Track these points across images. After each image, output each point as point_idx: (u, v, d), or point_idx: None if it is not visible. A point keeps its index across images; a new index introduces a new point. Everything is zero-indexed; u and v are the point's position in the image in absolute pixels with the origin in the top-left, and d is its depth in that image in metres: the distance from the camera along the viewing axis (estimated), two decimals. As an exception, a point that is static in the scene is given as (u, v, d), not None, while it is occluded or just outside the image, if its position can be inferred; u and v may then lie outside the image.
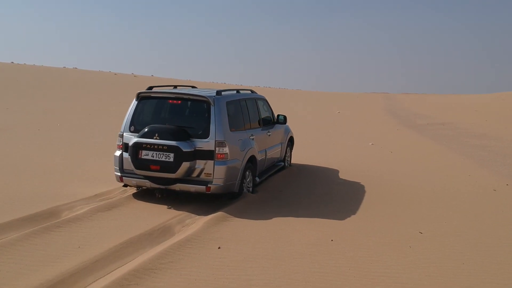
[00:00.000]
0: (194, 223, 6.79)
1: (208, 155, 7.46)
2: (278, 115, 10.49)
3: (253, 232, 6.42)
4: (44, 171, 9.68)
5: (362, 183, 9.87)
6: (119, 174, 7.88)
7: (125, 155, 7.78)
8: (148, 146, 7.40)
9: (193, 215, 7.18)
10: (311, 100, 51.11)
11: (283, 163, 10.89)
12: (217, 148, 7.45)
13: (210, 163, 7.46)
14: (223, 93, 8.12)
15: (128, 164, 7.69)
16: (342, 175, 10.69)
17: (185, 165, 7.32)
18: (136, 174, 7.67)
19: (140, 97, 8.04)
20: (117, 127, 8.05)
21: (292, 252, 5.72)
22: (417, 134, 19.85)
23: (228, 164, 7.55)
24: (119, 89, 43.93)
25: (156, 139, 7.38)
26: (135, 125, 7.88)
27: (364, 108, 39.46)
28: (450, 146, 15.75)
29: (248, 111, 8.93)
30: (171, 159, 7.34)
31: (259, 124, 9.37)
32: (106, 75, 65.50)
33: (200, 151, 7.44)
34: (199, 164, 7.48)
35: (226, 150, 7.50)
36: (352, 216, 7.38)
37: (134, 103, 8.04)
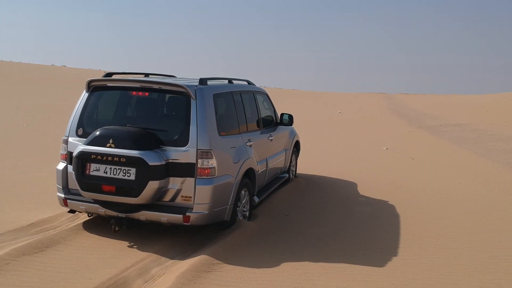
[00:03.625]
0: (163, 275, 4.52)
1: (186, 170, 5.17)
2: (282, 114, 8.21)
3: (252, 293, 4.17)
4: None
5: (390, 202, 7.61)
6: (62, 195, 5.59)
7: (71, 168, 5.48)
8: (99, 157, 5.10)
9: (163, 259, 4.91)
10: (308, 100, 48.78)
11: (287, 175, 8.60)
12: (200, 161, 5.16)
13: (189, 181, 5.18)
14: (209, 82, 5.82)
15: (74, 182, 5.40)
16: (362, 190, 8.43)
17: (152, 186, 5.03)
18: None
19: (92, 88, 5.75)
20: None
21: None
22: (433, 136, 17.62)
23: (216, 182, 5.27)
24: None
25: (110, 147, 5.09)
26: (85, 126, 5.59)
27: (365, 108, 37.11)
28: (477, 152, 13.51)
29: (244, 108, 6.64)
30: (132, 177, 5.05)
31: (258, 126, 7.09)
32: (95, 73, 62.83)
33: (175, 165, 5.16)
34: (174, 183, 5.20)
35: (213, 162, 5.23)
36: (394, 260, 5.12)
37: (83, 95, 5.75)
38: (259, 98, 7.54)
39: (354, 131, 19.11)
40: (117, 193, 5.08)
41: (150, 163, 4.98)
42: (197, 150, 5.17)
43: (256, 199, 6.65)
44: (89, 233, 5.53)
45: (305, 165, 10.08)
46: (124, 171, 5.07)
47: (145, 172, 4.99)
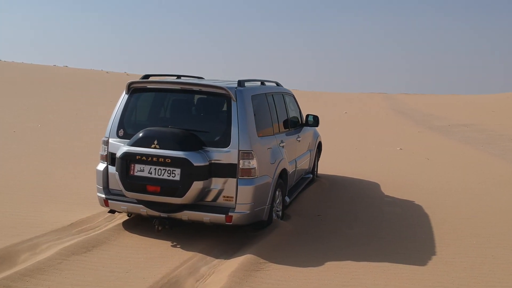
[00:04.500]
0: (213, 274, 4.59)
1: (228, 170, 5.25)
2: (307, 116, 8.28)
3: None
4: (5, 187, 7.43)
5: (416, 203, 7.69)
6: (103, 196, 5.65)
7: (112, 169, 5.57)
8: (144, 158, 5.18)
9: (208, 258, 4.98)
10: (311, 100, 48.91)
11: (311, 175, 8.69)
12: (241, 161, 5.24)
13: (231, 182, 5.25)
14: (246, 84, 5.90)
15: (116, 183, 5.48)
16: (385, 191, 8.52)
17: (197, 186, 5.11)
18: (128, 197, 5.46)
19: (132, 89, 5.82)
20: (104, 129, 5.87)
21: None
22: (443, 136, 17.73)
23: (257, 183, 5.35)
24: (111, 88, 41.54)
25: (155, 148, 5.17)
26: (126, 127, 5.66)
27: (369, 108, 37.24)
28: (492, 152, 13.62)
29: (276, 109, 6.72)
30: (177, 177, 5.13)
31: (288, 127, 7.16)
32: (98, 73, 62.92)
33: (217, 165, 5.23)
34: (216, 183, 5.27)
35: (254, 163, 5.30)
36: (435, 259, 5.20)
37: (123, 97, 5.82)
38: (287, 99, 7.62)
39: (363, 131, 19.20)
40: (162, 193, 5.15)
41: (195, 164, 5.06)
42: (239, 151, 5.24)
43: (287, 199, 6.73)
44: (130, 233, 5.60)
45: (322, 166, 10.14)
46: (169, 172, 5.14)
47: (190, 173, 5.07)
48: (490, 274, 4.80)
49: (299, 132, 7.69)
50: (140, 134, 5.29)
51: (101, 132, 14.28)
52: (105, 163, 5.71)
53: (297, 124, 7.89)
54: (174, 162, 5.09)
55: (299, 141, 7.52)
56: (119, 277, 4.41)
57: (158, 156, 5.12)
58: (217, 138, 5.35)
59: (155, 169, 5.18)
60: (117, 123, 5.70)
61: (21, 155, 10.26)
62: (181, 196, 5.11)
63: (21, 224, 5.71)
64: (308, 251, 5.32)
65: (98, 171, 5.74)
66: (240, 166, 5.25)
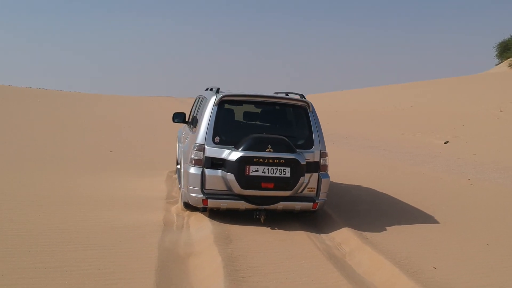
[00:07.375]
0: (343, 244, 6.02)
1: (313, 167, 6.65)
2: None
3: (423, 248, 5.99)
4: (51, 199, 7.11)
5: (364, 186, 9.97)
6: (201, 196, 6.36)
7: (209, 172, 6.36)
8: (261, 160, 6.22)
9: (317, 235, 6.34)
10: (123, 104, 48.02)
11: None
12: (322, 159, 6.72)
13: (314, 176, 6.66)
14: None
15: (214, 183, 6.36)
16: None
17: (301, 181, 6.42)
18: (227, 195, 6.37)
19: (220, 102, 6.66)
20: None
21: None
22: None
23: (329, 176, 6.89)
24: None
25: (269, 151, 6.26)
26: (221, 135, 6.49)
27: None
28: (350, 148, 17.10)
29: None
30: (288, 174, 6.32)
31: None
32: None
33: (307, 163, 6.58)
34: (305, 178, 6.61)
35: (328, 160, 6.85)
36: (447, 216, 7.51)
37: (213, 108, 6.59)
38: None
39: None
40: (275, 188, 6.25)
41: (302, 163, 6.34)
42: (320, 151, 6.70)
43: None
44: (229, 225, 6.35)
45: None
46: (280, 170, 6.26)
47: (298, 170, 6.31)
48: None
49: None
50: (252, 141, 6.23)
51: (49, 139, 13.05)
52: (200, 167, 6.40)
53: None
54: (287, 162, 6.25)
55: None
56: (292, 255, 5.39)
57: (274, 158, 6.21)
58: (302, 142, 6.68)
59: (268, 169, 6.23)
60: (212, 131, 6.44)
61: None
62: (291, 189, 6.31)
63: (124, 228, 5.99)
64: (360, 221, 6.97)
65: (193, 174, 6.35)
66: (321, 163, 6.70)
